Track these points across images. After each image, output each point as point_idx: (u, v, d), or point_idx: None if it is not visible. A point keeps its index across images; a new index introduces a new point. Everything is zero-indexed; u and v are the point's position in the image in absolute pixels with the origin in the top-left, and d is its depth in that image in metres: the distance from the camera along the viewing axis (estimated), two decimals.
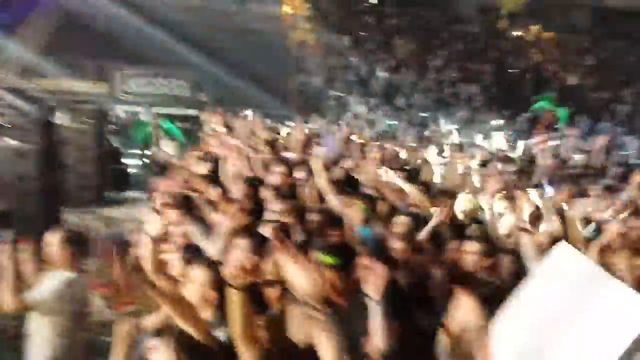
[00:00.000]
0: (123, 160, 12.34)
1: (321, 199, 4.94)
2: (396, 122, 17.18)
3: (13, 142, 7.84)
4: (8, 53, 14.66)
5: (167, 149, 11.66)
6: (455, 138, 11.91)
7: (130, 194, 11.53)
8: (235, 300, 2.48)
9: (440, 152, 8.59)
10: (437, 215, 4.30)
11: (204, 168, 6.08)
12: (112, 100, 14.63)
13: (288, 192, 5.00)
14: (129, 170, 12.20)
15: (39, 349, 3.71)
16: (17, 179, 7.25)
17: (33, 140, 7.92)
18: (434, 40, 23.23)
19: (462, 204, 5.10)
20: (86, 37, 15.23)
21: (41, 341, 3.69)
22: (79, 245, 3.81)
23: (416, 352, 2.97)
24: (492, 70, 22.01)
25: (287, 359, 2.67)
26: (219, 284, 2.83)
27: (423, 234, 4.15)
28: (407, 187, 5.14)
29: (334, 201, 4.71)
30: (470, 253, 3.60)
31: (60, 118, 9.77)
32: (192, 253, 3.62)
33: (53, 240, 3.73)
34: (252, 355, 2.41)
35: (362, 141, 8.75)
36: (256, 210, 4.50)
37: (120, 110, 14.63)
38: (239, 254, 3.22)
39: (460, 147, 8.78)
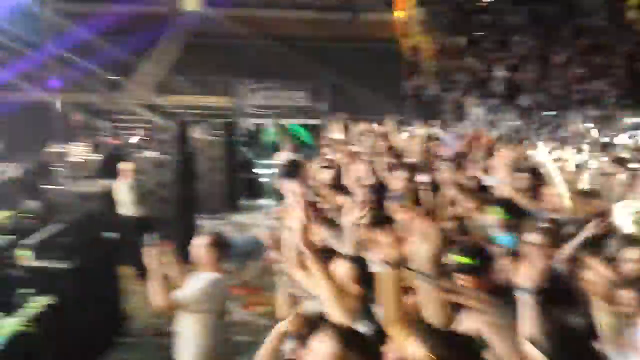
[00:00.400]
0: (254, 170, 12.83)
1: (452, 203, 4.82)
2: (519, 123, 16.42)
3: (153, 154, 8.51)
4: (144, 73, 15.96)
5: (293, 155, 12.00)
6: (594, 137, 11.10)
7: (261, 201, 11.99)
8: (387, 280, 2.50)
9: (578, 152, 8.05)
10: (592, 226, 3.95)
11: (327, 175, 6.15)
12: (239, 113, 15.44)
13: (412, 197, 4.92)
14: (259, 179, 12.68)
15: (186, 346, 3.94)
16: (157, 187, 7.82)
17: (170, 152, 8.54)
18: (556, 35, 21.98)
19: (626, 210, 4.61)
20: (213, 55, 16.23)
21: (188, 338, 3.92)
22: (222, 248, 4.02)
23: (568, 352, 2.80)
24: (624, 64, 20.38)
25: None
26: (359, 278, 2.92)
27: (574, 244, 3.83)
28: (562, 188, 4.81)
29: (466, 209, 4.56)
30: (630, 261, 3.29)
31: (194, 131, 10.43)
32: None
33: (200, 244, 3.96)
34: (405, 335, 2.38)
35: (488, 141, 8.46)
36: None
37: (249, 123, 15.37)
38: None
39: (601, 147, 8.18)
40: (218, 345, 3.98)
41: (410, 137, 9.45)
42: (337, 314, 2.67)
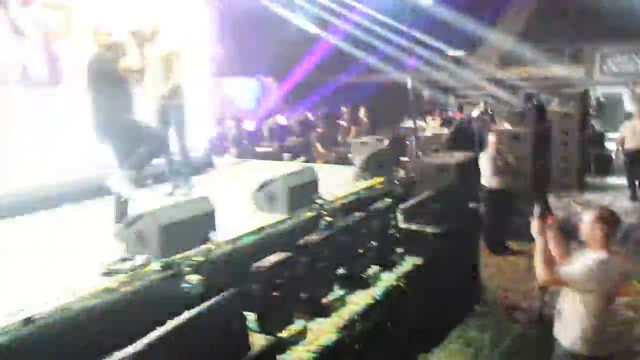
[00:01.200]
0: (605, 144, 11.76)
1: None
2: None
3: (509, 127, 8.44)
4: (490, 46, 15.80)
5: None
6: None
7: (610, 179, 11.02)
8: None
9: None
10: None
11: None
12: (590, 82, 14.10)
13: None
14: (610, 154, 11.55)
15: (568, 325, 3.79)
16: (513, 160, 7.73)
17: (525, 125, 8.35)
18: None
19: None
20: (564, 19, 15.04)
21: (572, 317, 3.76)
22: (612, 225, 3.71)
23: None
24: None
25: None
26: None
27: None
28: None
29: None
30: None
31: (548, 104, 10.02)
32: None
33: (589, 219, 3.74)
34: None
35: None
36: None
37: (599, 92, 13.99)
38: None
39: None
40: (602, 330, 3.73)
41: None
42: None
